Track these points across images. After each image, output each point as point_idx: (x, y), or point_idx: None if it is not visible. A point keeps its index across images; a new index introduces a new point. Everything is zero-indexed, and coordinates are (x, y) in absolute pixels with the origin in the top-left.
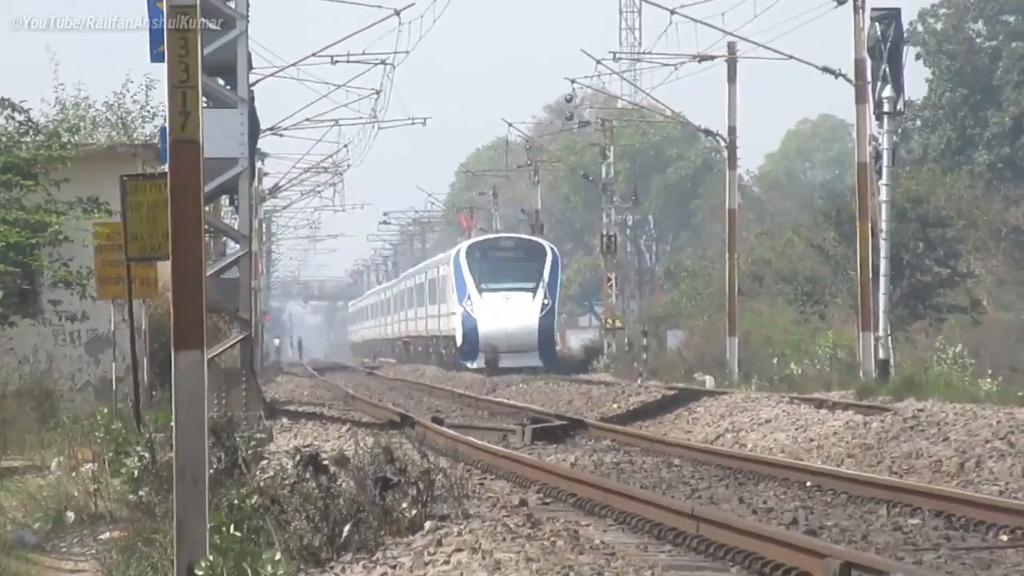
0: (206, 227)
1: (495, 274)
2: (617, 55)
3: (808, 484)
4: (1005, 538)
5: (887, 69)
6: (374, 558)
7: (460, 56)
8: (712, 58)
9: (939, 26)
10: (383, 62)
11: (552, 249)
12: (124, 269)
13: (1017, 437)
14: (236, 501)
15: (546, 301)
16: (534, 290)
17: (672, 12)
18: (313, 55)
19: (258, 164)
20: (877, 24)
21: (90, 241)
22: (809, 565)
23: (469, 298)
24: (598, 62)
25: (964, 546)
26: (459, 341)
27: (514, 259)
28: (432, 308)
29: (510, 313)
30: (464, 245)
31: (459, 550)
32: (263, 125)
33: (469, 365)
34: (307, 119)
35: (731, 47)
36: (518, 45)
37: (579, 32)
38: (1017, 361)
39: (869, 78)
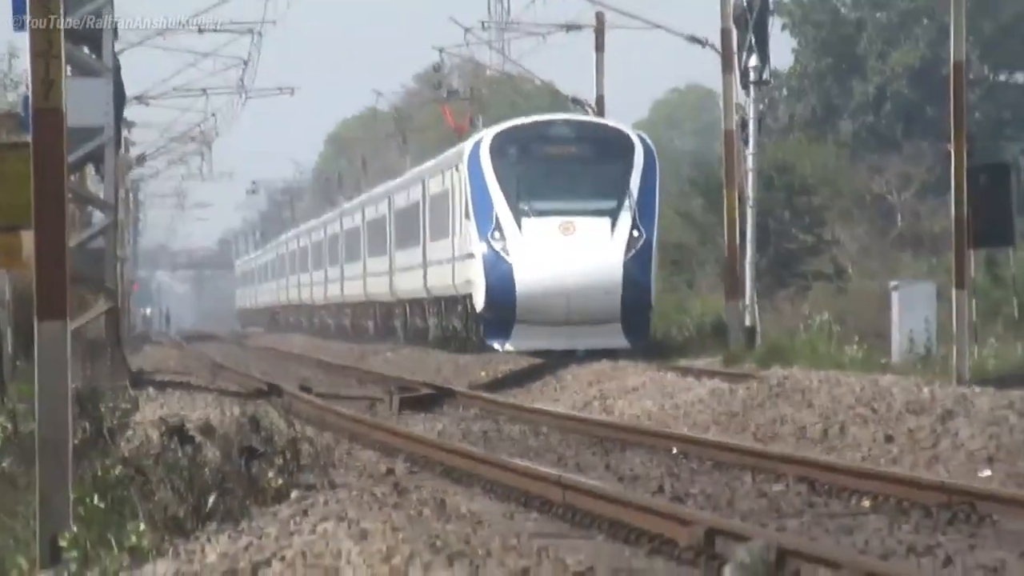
0: (70, 197)
1: (546, 185)
2: (486, 24)
3: (674, 451)
4: (867, 504)
5: (753, 39)
6: (239, 528)
7: (330, 25)
8: (580, 28)
9: None
10: (251, 31)
11: (644, 140)
12: None
13: (879, 403)
14: (100, 472)
15: (636, 233)
16: (615, 213)
17: None
18: (180, 24)
19: (124, 133)
20: None
21: None
22: (674, 532)
23: (499, 228)
24: (467, 31)
25: (827, 512)
26: (480, 303)
27: (578, 159)
28: (412, 253)
29: (573, 255)
30: (487, 135)
31: (325, 519)
32: (129, 94)
33: (499, 346)
34: (174, 88)
35: (599, 16)
36: (388, 13)
37: (450, 1)
38: (880, 328)
39: (735, 48)
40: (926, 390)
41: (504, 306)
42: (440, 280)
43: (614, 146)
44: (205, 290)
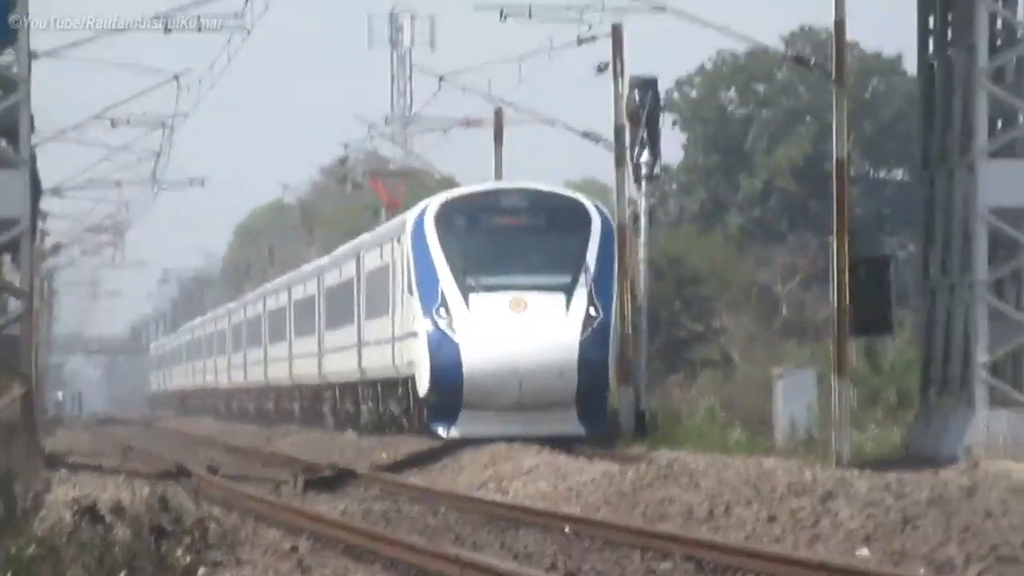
0: None
1: (496, 259)
2: (388, 119)
3: (567, 530)
4: None
5: (645, 134)
6: None
7: (240, 118)
8: (479, 123)
9: (694, 94)
10: (163, 124)
11: (601, 211)
12: None
13: (763, 485)
14: (14, 551)
15: (593, 311)
16: (570, 289)
17: (441, 79)
18: (94, 117)
19: (40, 224)
20: (636, 91)
21: None
22: None
23: (444, 304)
24: (370, 126)
25: None
26: (423, 386)
27: (531, 230)
28: (345, 332)
29: (525, 333)
30: (433, 203)
31: None
32: (45, 186)
33: (443, 431)
34: (88, 180)
35: (497, 113)
36: (296, 107)
37: (356, 96)
38: (765, 413)
39: (628, 143)
40: (808, 472)
41: (450, 389)
42: (377, 361)
43: (569, 216)
44: (116, 375)
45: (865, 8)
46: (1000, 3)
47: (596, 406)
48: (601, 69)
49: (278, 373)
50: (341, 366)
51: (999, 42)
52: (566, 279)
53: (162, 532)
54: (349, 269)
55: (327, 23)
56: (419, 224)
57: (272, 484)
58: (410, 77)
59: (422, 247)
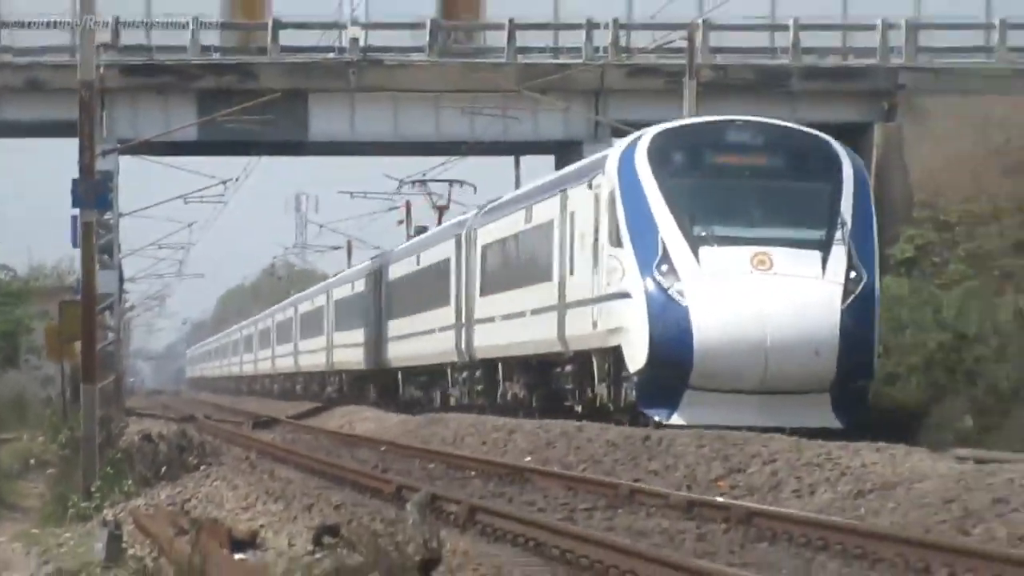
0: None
1: (730, 205)
2: (295, 244)
3: (383, 449)
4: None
5: None
6: (176, 483)
7: (223, 241)
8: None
9: None
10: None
11: (852, 156)
12: (59, 345)
13: None
14: (110, 456)
15: (855, 274)
16: (825, 246)
17: (321, 227)
18: (167, 199)
19: (124, 293)
20: None
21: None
22: (381, 487)
23: (667, 259)
24: (286, 248)
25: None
26: (637, 359)
27: (770, 172)
28: (514, 296)
29: (773, 297)
30: (645, 136)
31: (216, 480)
32: (124, 257)
33: (661, 416)
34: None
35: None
36: (257, 233)
37: (280, 231)
38: None
39: None
40: None
41: (674, 364)
42: (578, 328)
43: (817, 158)
44: (160, 369)
45: None
46: None
47: (857, 393)
48: None
49: (408, 351)
50: (509, 337)
51: None
52: (819, 233)
53: (182, 448)
54: (517, 221)
55: (267, 198)
56: (627, 160)
57: (237, 424)
58: (305, 224)
59: (634, 187)
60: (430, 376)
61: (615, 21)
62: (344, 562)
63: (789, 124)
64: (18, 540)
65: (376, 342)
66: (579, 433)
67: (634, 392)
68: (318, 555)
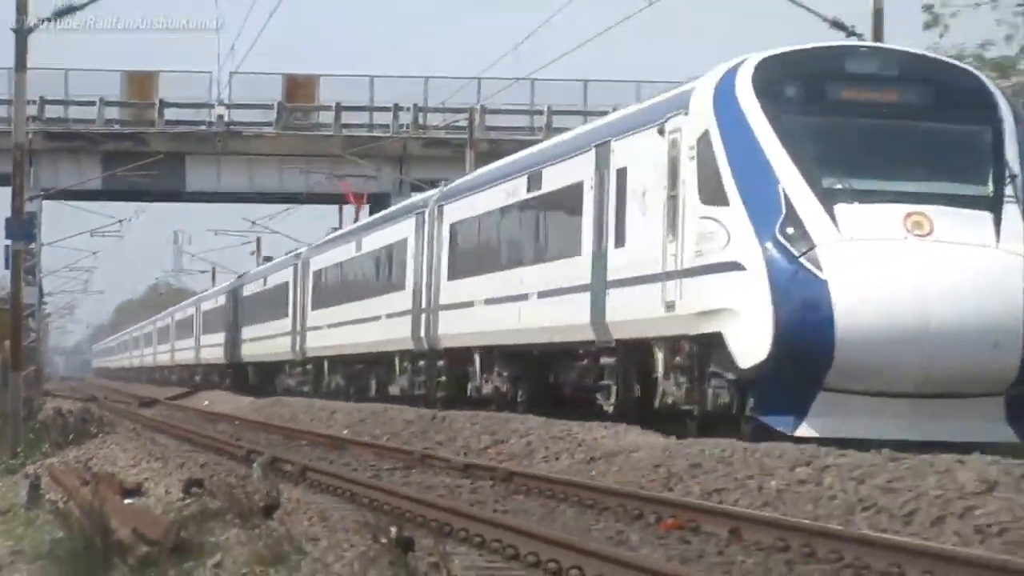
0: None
1: (869, 152)
2: (172, 268)
3: (236, 423)
4: None
5: None
6: (81, 447)
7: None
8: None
9: None
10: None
11: (1006, 96)
12: None
13: None
14: (31, 426)
15: None
16: (995, 205)
17: (194, 255)
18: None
19: (44, 302)
20: None
21: None
22: (235, 451)
23: (793, 220)
24: (168, 271)
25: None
26: (756, 352)
27: (913, 111)
28: (507, 277)
29: (934, 269)
30: (748, 64)
31: (111, 445)
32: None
33: (786, 427)
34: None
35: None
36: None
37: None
38: None
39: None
40: None
41: (807, 358)
42: (633, 312)
43: (968, 95)
44: (70, 363)
45: None
46: None
47: None
48: None
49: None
50: (552, 318)
51: None
52: (985, 188)
53: (85, 420)
54: (576, 170)
55: (153, 233)
56: (726, 94)
57: (127, 404)
58: (181, 254)
59: (738, 129)
60: (367, 365)
61: (415, 105)
62: (207, 506)
63: (926, 52)
64: None
65: (232, 342)
66: (384, 413)
67: (739, 394)
68: (187, 501)
